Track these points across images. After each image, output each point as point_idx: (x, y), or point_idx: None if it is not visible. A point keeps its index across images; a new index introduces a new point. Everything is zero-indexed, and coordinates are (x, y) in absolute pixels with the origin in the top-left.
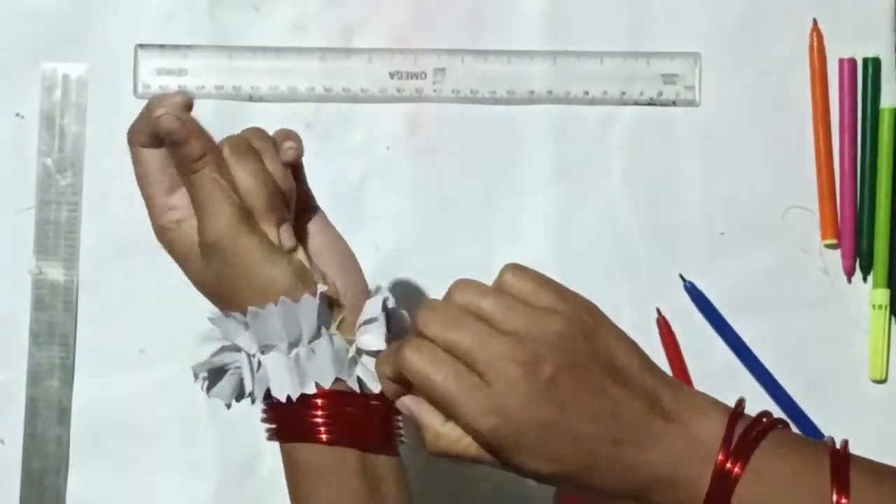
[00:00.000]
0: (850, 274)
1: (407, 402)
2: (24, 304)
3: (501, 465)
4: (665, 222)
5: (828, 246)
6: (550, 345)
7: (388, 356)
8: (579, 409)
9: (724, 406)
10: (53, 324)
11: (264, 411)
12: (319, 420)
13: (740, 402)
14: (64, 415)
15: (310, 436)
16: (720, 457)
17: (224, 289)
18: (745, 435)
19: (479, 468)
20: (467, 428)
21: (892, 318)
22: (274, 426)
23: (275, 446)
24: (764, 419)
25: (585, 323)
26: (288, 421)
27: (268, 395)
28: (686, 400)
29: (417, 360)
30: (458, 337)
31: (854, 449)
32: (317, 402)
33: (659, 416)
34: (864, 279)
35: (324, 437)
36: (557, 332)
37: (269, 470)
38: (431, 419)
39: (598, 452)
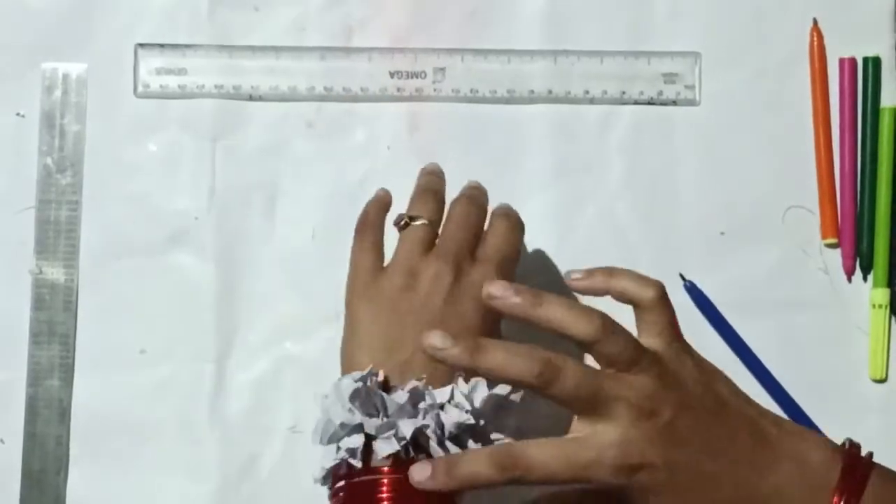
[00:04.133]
0: (850, 273)
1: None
2: (24, 304)
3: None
4: (665, 222)
5: (828, 245)
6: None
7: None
8: (701, 446)
9: (822, 436)
10: (53, 323)
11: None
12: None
13: (851, 445)
14: (64, 414)
15: None
16: (835, 497)
17: None
18: (853, 469)
19: None
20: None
21: (893, 318)
22: None
23: (274, 446)
24: (858, 451)
25: (686, 362)
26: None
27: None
28: (786, 427)
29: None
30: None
31: None
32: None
33: (767, 446)
34: (865, 279)
35: None
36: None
37: (269, 470)
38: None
39: (723, 481)
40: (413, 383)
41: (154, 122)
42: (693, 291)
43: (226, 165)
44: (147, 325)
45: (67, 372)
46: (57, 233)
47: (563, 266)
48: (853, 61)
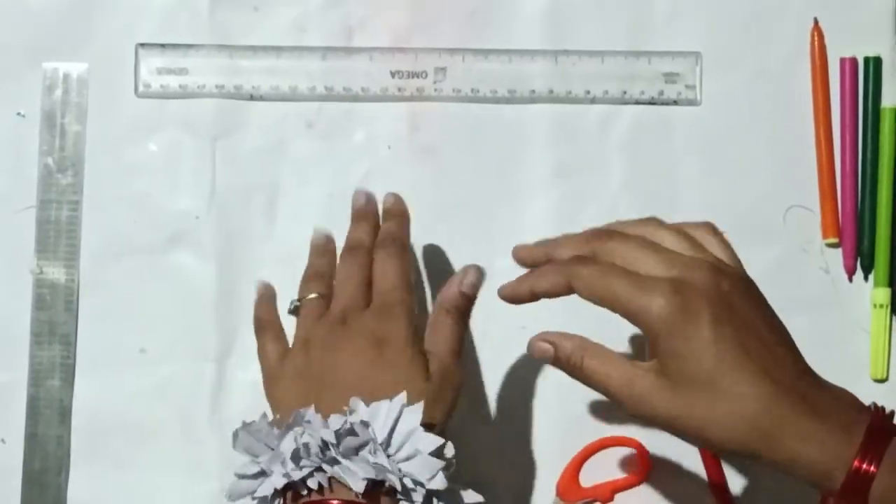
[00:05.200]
0: (851, 273)
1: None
2: (24, 304)
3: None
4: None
5: (829, 245)
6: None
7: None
8: (755, 332)
9: (852, 396)
10: (54, 323)
11: None
12: None
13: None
14: (65, 414)
15: None
16: (857, 459)
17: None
18: (879, 431)
19: None
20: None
21: (894, 318)
22: None
23: None
24: (884, 413)
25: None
26: None
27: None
28: (821, 383)
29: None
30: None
31: None
32: None
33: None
34: (866, 278)
35: None
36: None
37: None
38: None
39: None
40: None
41: (155, 121)
42: None
43: (226, 165)
44: (147, 325)
45: (68, 372)
46: (57, 233)
47: None
48: (854, 61)
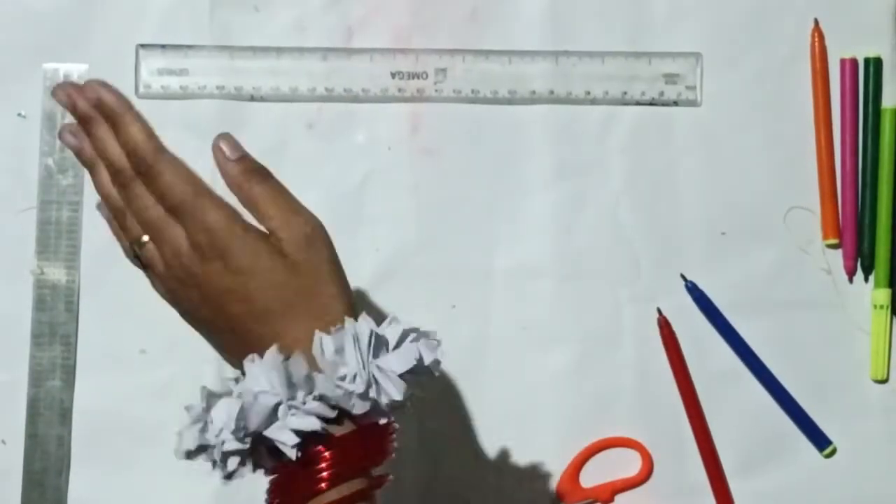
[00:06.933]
0: (851, 274)
1: None
2: (25, 305)
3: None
4: (666, 222)
5: (829, 246)
6: None
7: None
8: None
9: None
10: (55, 324)
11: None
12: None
13: None
14: (65, 415)
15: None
16: None
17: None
18: None
19: None
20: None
21: (894, 318)
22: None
23: None
24: None
25: None
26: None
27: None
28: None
29: None
30: None
31: (855, 449)
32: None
33: None
34: (866, 279)
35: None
36: None
37: None
38: None
39: None
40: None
41: (155, 122)
42: (694, 292)
43: None
44: (148, 326)
45: (69, 373)
46: (58, 233)
47: (563, 267)
48: (854, 62)
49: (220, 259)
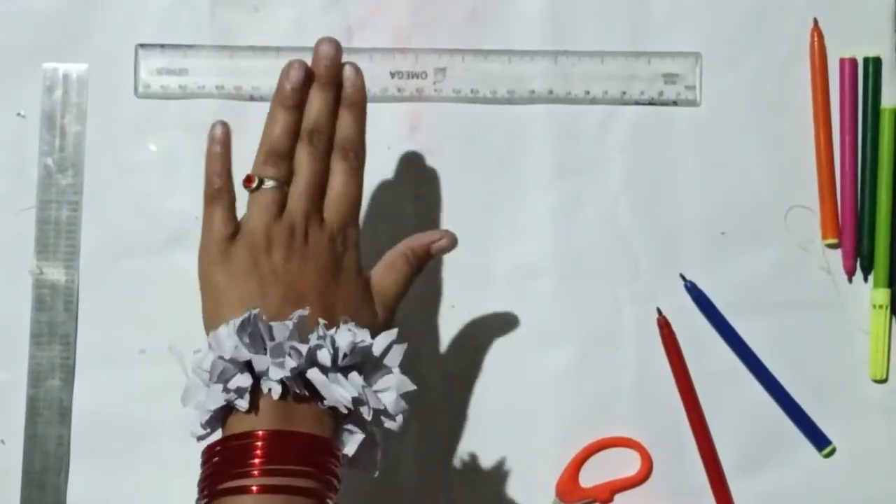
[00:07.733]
0: (850, 274)
1: None
2: (24, 305)
3: None
4: (666, 222)
5: (829, 246)
6: None
7: None
8: None
9: None
10: (54, 324)
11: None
12: None
13: None
14: (64, 415)
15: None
16: None
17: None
18: None
19: None
20: None
21: (893, 318)
22: None
23: None
24: None
25: None
26: None
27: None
28: None
29: None
30: None
31: (855, 449)
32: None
33: None
34: (865, 279)
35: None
36: None
37: None
38: None
39: None
40: (299, 313)
41: (154, 122)
42: (694, 292)
43: None
44: (147, 326)
45: (68, 372)
46: (57, 233)
47: (563, 266)
48: (853, 61)
49: (335, 271)
